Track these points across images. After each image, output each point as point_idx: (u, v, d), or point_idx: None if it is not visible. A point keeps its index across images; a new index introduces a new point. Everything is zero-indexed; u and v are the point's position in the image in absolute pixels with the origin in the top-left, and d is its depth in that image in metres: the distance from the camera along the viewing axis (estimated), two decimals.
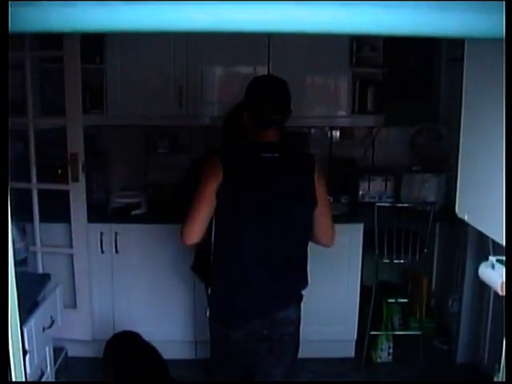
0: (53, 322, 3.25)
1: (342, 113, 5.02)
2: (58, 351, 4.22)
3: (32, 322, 2.95)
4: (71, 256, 4.53)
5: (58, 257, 4.56)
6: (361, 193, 5.12)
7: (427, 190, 4.95)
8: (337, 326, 4.76)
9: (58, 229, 4.54)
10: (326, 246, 3.22)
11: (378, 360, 4.85)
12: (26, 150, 4.34)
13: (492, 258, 1.93)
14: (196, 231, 2.91)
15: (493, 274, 1.91)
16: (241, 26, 1.26)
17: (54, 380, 3.66)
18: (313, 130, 5.36)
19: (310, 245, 4.18)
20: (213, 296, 3.07)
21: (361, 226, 4.65)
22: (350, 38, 4.78)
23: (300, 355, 4.56)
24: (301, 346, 4.36)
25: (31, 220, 4.42)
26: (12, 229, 1.55)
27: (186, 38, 4.69)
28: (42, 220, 4.45)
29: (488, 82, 2.01)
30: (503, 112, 1.65)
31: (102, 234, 4.58)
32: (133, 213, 4.72)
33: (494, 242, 1.99)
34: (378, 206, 4.53)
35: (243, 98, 3.05)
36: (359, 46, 4.91)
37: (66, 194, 4.37)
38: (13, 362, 1.71)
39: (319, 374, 4.65)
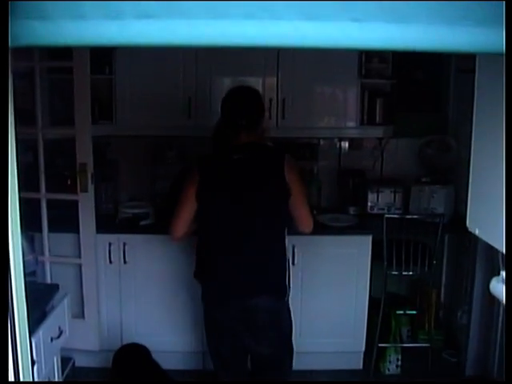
0: (61, 332, 3.24)
1: (351, 124, 5.01)
2: (65, 361, 4.21)
3: (40, 332, 2.95)
4: (79, 266, 4.54)
5: (66, 267, 4.56)
6: (369, 204, 5.10)
7: (436, 201, 4.94)
8: (345, 338, 4.75)
9: (66, 239, 4.54)
10: (304, 232, 3.53)
11: (387, 372, 4.83)
12: (35, 160, 4.35)
13: (503, 273, 1.92)
14: (180, 228, 3.45)
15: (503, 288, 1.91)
16: (251, 41, 1.27)
17: None
18: (322, 142, 5.35)
19: (320, 257, 4.18)
20: (202, 278, 3.56)
21: (369, 238, 4.63)
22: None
23: (308, 367, 4.60)
24: (309, 357, 4.36)
25: (40, 230, 4.43)
26: (22, 241, 1.56)
27: (196, 49, 4.69)
28: (50, 230, 4.46)
29: (499, 95, 2.01)
30: None
31: (110, 244, 4.59)
32: (141, 223, 4.72)
33: (503, 255, 1.98)
34: (387, 218, 4.52)
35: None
36: (368, 57, 4.91)
37: (75, 204, 4.38)
38: (22, 372, 1.72)
39: None
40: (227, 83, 4.99)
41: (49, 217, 4.43)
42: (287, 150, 5.10)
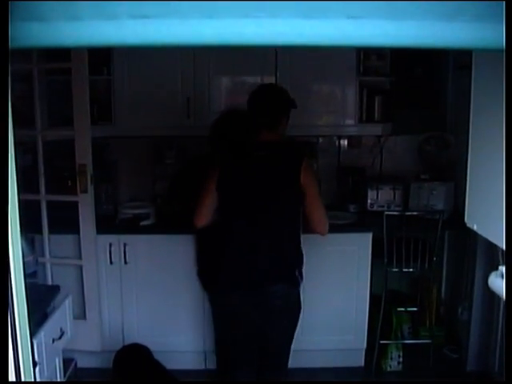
0: (62, 333, 3.24)
1: (350, 122, 5.01)
2: (67, 362, 4.22)
3: (42, 333, 2.95)
4: (80, 267, 4.54)
5: (67, 268, 4.56)
6: (369, 201, 5.11)
7: (435, 198, 4.94)
8: (346, 336, 4.75)
9: (66, 240, 4.54)
10: (320, 234, 3.58)
11: (388, 369, 4.83)
12: (34, 162, 4.35)
13: (502, 268, 1.92)
14: (202, 216, 3.56)
15: (503, 283, 1.90)
16: (248, 40, 1.27)
17: None
18: (321, 140, 5.36)
19: (320, 254, 4.18)
20: (214, 269, 3.71)
21: (369, 235, 4.64)
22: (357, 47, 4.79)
23: (310, 365, 4.60)
24: (310, 355, 4.37)
25: (40, 231, 4.43)
26: (22, 242, 1.56)
27: (193, 48, 4.69)
28: (50, 231, 4.46)
29: (496, 90, 2.01)
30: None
31: (110, 245, 4.59)
32: (141, 224, 4.72)
33: (503, 251, 1.98)
34: (387, 215, 4.53)
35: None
36: (366, 55, 4.92)
37: (75, 205, 4.38)
38: (23, 374, 1.72)
39: None
40: (225, 83, 5.01)
41: (49, 218, 4.43)
42: None
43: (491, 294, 4.40)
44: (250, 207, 3.50)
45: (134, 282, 4.68)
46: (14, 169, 1.44)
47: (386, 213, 4.57)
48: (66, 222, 4.48)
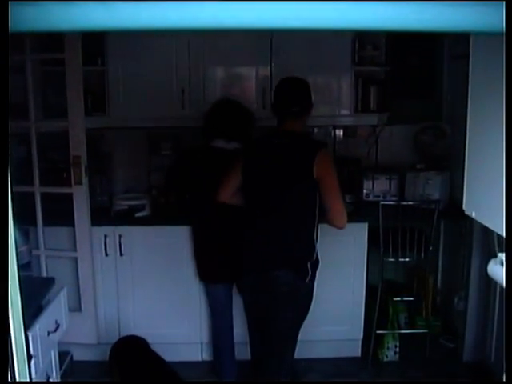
0: (58, 326, 3.21)
1: (345, 112, 5.00)
2: (63, 355, 4.20)
3: (37, 326, 2.92)
4: (75, 259, 4.51)
5: (62, 260, 4.54)
6: (365, 192, 5.09)
7: (431, 187, 4.93)
8: (343, 326, 4.74)
9: (61, 232, 4.52)
10: (337, 227, 3.61)
11: (385, 359, 4.82)
12: (28, 154, 4.32)
13: (501, 255, 1.91)
14: (226, 193, 3.78)
15: (502, 270, 1.89)
16: (246, 24, 1.24)
17: None
18: (316, 130, 5.33)
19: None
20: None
21: (365, 225, 4.62)
22: (352, 36, 4.78)
23: (307, 355, 4.59)
24: (307, 346, 4.36)
25: (35, 224, 4.40)
26: (15, 233, 1.53)
27: (188, 39, 4.68)
28: (45, 223, 4.43)
29: (494, 78, 1.99)
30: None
31: (105, 236, 4.56)
32: (136, 215, 4.70)
33: (499, 239, 1.97)
34: (383, 205, 4.51)
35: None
36: (361, 44, 4.89)
37: (69, 197, 4.35)
38: (17, 367, 1.69)
39: (326, 373, 4.63)
40: (220, 73, 4.98)
41: (43, 210, 4.40)
42: None
43: (487, 283, 4.41)
44: (264, 193, 3.64)
45: (129, 274, 4.65)
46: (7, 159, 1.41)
47: (382, 203, 4.55)
48: (60, 213, 4.45)
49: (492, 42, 1.90)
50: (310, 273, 3.61)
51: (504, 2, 1.25)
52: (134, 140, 5.21)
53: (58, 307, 3.28)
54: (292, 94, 3.66)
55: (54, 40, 4.07)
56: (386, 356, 4.82)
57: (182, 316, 4.74)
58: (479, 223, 2.16)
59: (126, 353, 3.86)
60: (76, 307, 4.50)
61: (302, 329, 3.75)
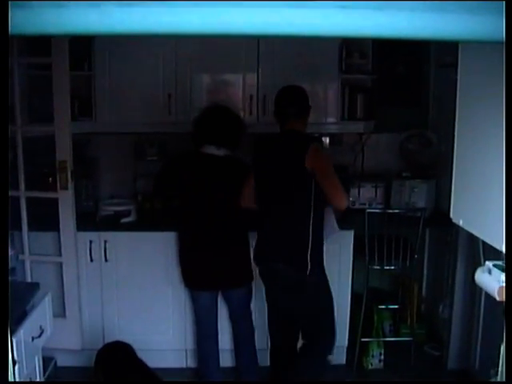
0: (42, 331, 3.20)
1: (332, 119, 5.00)
2: (47, 361, 4.16)
3: (21, 331, 2.90)
4: (60, 265, 4.48)
5: (46, 266, 4.51)
6: (351, 199, 5.08)
7: (417, 196, 4.94)
8: None
9: (46, 237, 4.49)
10: (339, 208, 3.85)
11: (370, 367, 4.82)
12: (14, 158, 4.29)
13: (489, 263, 1.91)
14: (244, 197, 4.05)
15: (490, 279, 1.89)
16: (237, 30, 1.23)
17: None
18: None
19: None
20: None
21: (351, 233, 4.62)
22: (339, 44, 4.79)
23: None
24: None
25: (20, 228, 4.37)
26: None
27: (175, 44, 4.67)
28: (30, 228, 4.40)
29: (482, 87, 2.00)
30: (499, 115, 1.64)
31: (91, 242, 4.54)
32: (122, 221, 4.68)
33: (484, 247, 1.98)
34: (369, 213, 4.52)
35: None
36: (348, 52, 4.89)
37: (55, 202, 4.33)
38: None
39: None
40: (207, 80, 4.98)
41: (28, 215, 4.37)
42: None
43: (472, 291, 4.42)
44: (266, 189, 3.94)
45: (114, 280, 4.63)
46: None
47: (368, 210, 4.56)
48: (45, 218, 4.43)
49: (480, 50, 1.91)
50: (309, 266, 3.76)
51: (504, 3, 1.26)
52: (121, 145, 5.19)
53: (42, 312, 3.26)
54: (289, 97, 3.95)
55: (41, 44, 4.06)
56: (371, 364, 4.82)
57: (166, 322, 4.72)
58: (465, 231, 2.17)
59: (111, 359, 3.83)
60: (60, 313, 4.46)
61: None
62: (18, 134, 4.23)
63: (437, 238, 5.25)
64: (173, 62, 4.75)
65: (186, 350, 4.76)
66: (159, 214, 4.88)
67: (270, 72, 4.74)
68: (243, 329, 4.46)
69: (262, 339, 4.47)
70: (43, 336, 3.21)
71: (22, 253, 4.40)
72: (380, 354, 4.82)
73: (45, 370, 3.81)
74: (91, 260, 4.57)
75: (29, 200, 4.35)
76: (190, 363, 4.76)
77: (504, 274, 1.79)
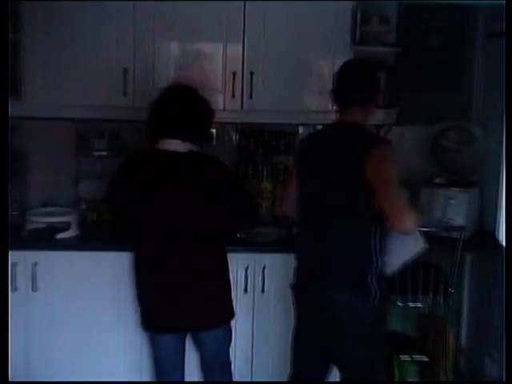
0: None
1: None
2: None
3: None
4: None
5: None
6: None
7: (454, 209, 4.89)
8: None
9: None
10: (399, 231, 3.76)
11: None
12: None
13: None
14: (284, 207, 4.22)
15: None
16: None
17: None
18: (301, 129, 5.34)
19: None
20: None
21: None
22: (352, 4, 4.77)
23: None
24: None
25: None
26: None
27: (133, 5, 4.62)
28: None
29: None
30: None
31: (14, 265, 4.49)
32: (58, 236, 4.66)
33: None
34: None
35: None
36: (365, 16, 4.87)
37: None
38: None
39: None
40: (175, 51, 4.94)
41: None
42: (256, 139, 5.10)
43: None
44: (314, 197, 3.93)
45: (45, 317, 4.59)
46: None
47: None
48: None
49: None
50: (373, 290, 3.79)
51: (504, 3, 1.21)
52: (58, 135, 5.17)
53: None
54: (355, 79, 3.90)
55: None
56: None
57: (115, 372, 4.72)
58: None
59: None
60: None
61: None
62: None
63: (480, 266, 5.22)
64: (130, 28, 4.73)
65: None
66: (109, 227, 4.84)
67: (259, 42, 4.75)
68: None
69: None
70: None
71: None
72: None
73: None
74: (15, 289, 4.52)
75: None
76: None
77: None
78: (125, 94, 4.76)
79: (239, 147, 5.34)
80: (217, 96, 4.64)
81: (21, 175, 5.10)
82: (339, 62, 4.79)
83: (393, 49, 5.04)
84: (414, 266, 4.46)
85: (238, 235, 4.77)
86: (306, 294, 4.01)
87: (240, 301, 4.52)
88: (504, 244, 1.60)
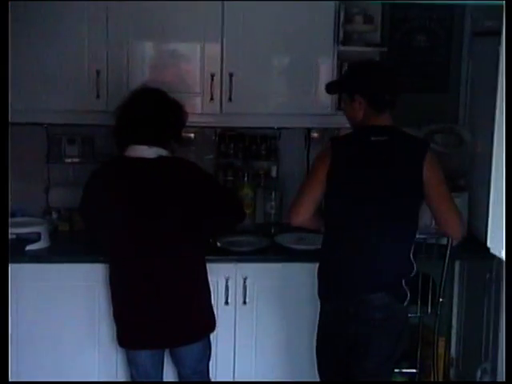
0: None
1: (323, 109, 4.96)
2: None
3: None
4: None
5: None
6: None
7: None
8: None
9: None
10: (453, 237, 4.27)
11: None
12: None
13: None
14: (302, 212, 4.08)
15: None
16: None
17: None
18: (283, 133, 5.33)
19: (281, 291, 4.14)
20: (319, 272, 4.15)
21: None
22: (335, 4, 4.77)
23: None
24: None
25: None
26: None
27: (106, 4, 4.61)
28: None
29: None
30: None
31: None
32: (27, 248, 4.64)
33: None
34: None
35: (355, 83, 4.05)
36: (349, 15, 4.88)
37: None
38: None
39: None
40: (151, 51, 4.95)
41: None
42: (236, 144, 5.10)
43: None
44: (360, 202, 3.97)
45: (13, 331, 4.48)
46: None
47: None
48: None
49: None
50: (408, 294, 4.01)
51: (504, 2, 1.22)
52: (26, 141, 5.14)
53: None
54: (392, 82, 4.09)
55: None
56: None
57: None
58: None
59: None
60: None
61: None
62: None
63: (471, 274, 5.25)
64: (103, 27, 4.72)
65: None
66: (82, 238, 4.83)
67: (238, 42, 4.76)
68: None
69: None
70: None
71: None
72: None
73: None
74: None
75: None
76: None
77: None
78: (98, 97, 4.75)
79: (218, 152, 5.30)
80: (194, 99, 4.65)
81: None
82: (322, 63, 4.89)
83: (378, 49, 5.04)
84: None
85: (218, 245, 4.73)
86: (344, 299, 4.05)
87: (221, 313, 4.46)
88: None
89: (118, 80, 4.76)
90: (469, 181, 5.08)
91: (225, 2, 4.66)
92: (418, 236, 4.58)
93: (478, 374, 4.91)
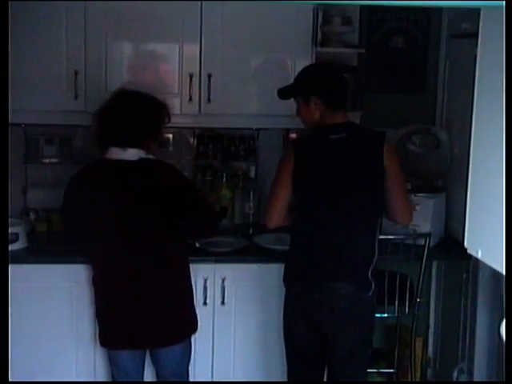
0: None
1: None
2: None
3: None
4: None
5: None
6: None
7: (420, 216, 4.88)
8: None
9: None
10: (402, 224, 4.35)
11: None
12: None
13: None
14: (276, 216, 4.20)
15: None
16: None
17: None
18: (261, 134, 5.35)
19: (259, 293, 4.17)
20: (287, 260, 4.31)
21: None
22: (313, 6, 4.77)
23: None
24: None
25: None
26: None
27: (84, 4, 4.61)
28: None
29: None
30: None
31: None
32: None
33: None
34: None
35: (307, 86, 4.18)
36: (327, 17, 4.90)
37: None
38: None
39: None
40: (129, 52, 4.94)
41: None
42: (214, 145, 5.11)
43: (499, 350, 4.41)
44: (326, 196, 4.12)
45: None
46: None
47: None
48: None
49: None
50: (372, 284, 4.10)
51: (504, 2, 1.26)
52: None
53: None
54: (343, 81, 4.28)
55: None
56: None
57: None
58: (487, 266, 2.14)
59: None
60: None
61: None
62: None
63: (448, 275, 5.27)
64: (81, 27, 4.71)
65: None
66: (60, 239, 4.82)
67: (217, 43, 4.76)
68: None
69: None
70: None
71: None
72: None
73: None
74: None
75: None
76: None
77: None
78: (76, 97, 4.74)
79: (197, 153, 5.31)
80: (173, 99, 4.61)
81: None
82: (300, 64, 4.86)
83: (356, 50, 5.07)
84: (379, 275, 4.52)
85: (197, 245, 4.73)
86: (309, 286, 4.15)
87: (199, 314, 4.40)
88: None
89: (96, 80, 4.75)
90: (446, 182, 5.10)
91: (203, 3, 4.64)
92: (395, 237, 4.68)
93: (455, 374, 4.93)
